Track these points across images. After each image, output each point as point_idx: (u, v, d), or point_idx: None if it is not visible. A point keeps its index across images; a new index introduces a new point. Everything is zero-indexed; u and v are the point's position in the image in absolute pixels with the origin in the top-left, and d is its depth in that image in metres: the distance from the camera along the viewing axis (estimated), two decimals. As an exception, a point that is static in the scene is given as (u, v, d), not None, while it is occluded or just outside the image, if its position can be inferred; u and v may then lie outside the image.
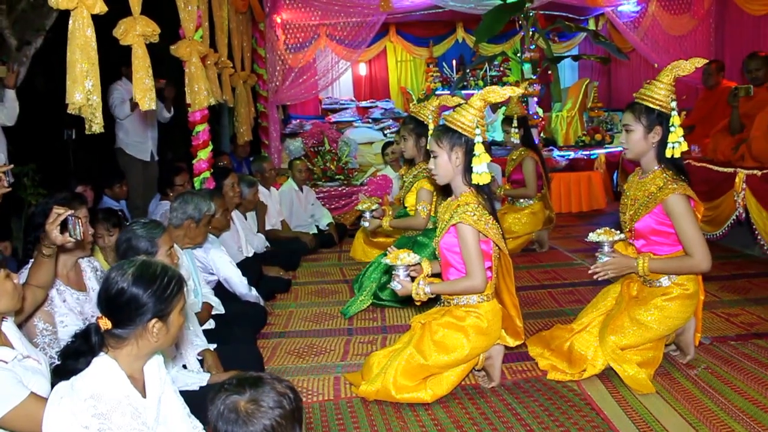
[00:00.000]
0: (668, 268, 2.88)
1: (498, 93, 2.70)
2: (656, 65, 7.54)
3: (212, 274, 3.85)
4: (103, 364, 1.74)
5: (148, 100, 3.24)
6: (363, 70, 10.36)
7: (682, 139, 2.80)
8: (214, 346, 2.99)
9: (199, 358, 2.88)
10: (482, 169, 2.69)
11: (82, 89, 2.72)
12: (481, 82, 10.03)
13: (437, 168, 2.81)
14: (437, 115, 3.85)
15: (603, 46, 7.35)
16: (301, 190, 6.21)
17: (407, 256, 2.75)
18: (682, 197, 2.79)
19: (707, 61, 2.86)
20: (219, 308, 3.51)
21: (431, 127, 3.38)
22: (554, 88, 7.01)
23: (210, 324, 3.36)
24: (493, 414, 2.71)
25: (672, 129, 2.80)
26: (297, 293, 4.67)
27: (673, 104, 2.81)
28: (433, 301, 3.01)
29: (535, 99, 7.48)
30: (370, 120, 8.70)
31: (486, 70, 9.84)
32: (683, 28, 7.80)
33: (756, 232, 4.65)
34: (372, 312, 4.18)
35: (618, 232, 2.88)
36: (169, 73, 5.25)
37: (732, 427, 2.49)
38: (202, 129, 4.25)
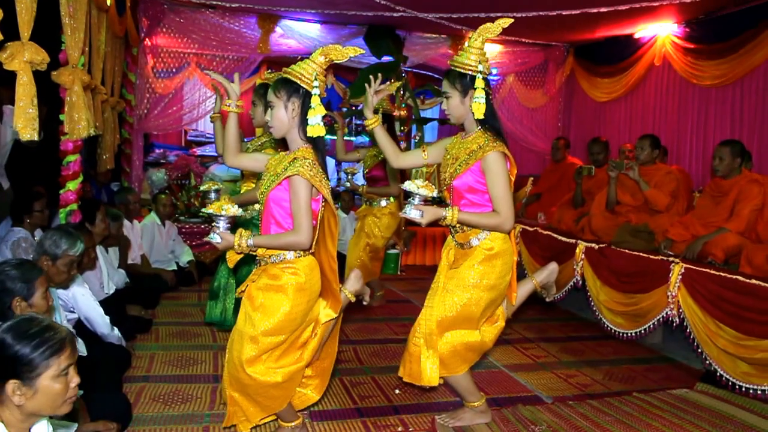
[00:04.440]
0: (475, 221, 2.98)
1: (340, 51, 2.73)
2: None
3: (73, 311, 3.69)
4: None
5: (30, 131, 3.10)
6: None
7: (481, 97, 2.89)
8: (80, 392, 2.87)
9: (65, 405, 2.76)
10: (316, 120, 2.67)
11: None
12: (346, 129, 10.30)
13: (273, 120, 2.75)
14: None
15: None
16: (164, 224, 6.06)
17: (231, 207, 2.67)
18: (500, 155, 2.92)
19: (512, 20, 3.01)
20: (81, 350, 3.36)
21: None
22: (418, 147, 7.40)
23: (72, 367, 3.22)
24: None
25: (475, 91, 2.91)
26: (158, 334, 4.56)
27: (480, 67, 2.94)
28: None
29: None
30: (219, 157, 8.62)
31: (352, 119, 10.15)
32: (536, 102, 8.58)
33: (590, 298, 5.19)
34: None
35: (436, 189, 2.92)
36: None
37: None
38: (74, 159, 4.07)
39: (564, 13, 6.04)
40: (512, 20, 3.03)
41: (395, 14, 6.48)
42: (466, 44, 3.07)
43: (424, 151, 3.32)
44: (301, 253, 2.78)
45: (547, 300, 3.69)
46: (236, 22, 7.30)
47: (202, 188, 4.18)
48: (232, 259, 2.86)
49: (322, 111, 2.70)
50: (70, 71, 3.90)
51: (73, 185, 4.10)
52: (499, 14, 3.16)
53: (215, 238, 2.69)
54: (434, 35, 7.78)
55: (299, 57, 7.93)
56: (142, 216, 6.05)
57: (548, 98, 8.52)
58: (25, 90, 3.14)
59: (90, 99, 4.64)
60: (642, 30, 6.97)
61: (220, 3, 6.86)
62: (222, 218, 2.69)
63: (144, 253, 5.71)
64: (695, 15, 6.27)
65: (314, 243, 2.81)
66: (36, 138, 3.17)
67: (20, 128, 3.11)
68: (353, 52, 2.78)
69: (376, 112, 5.33)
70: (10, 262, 2.61)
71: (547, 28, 7.06)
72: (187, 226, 6.77)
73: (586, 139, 7.11)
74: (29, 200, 4.54)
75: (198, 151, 8.73)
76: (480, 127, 3.03)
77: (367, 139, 9.10)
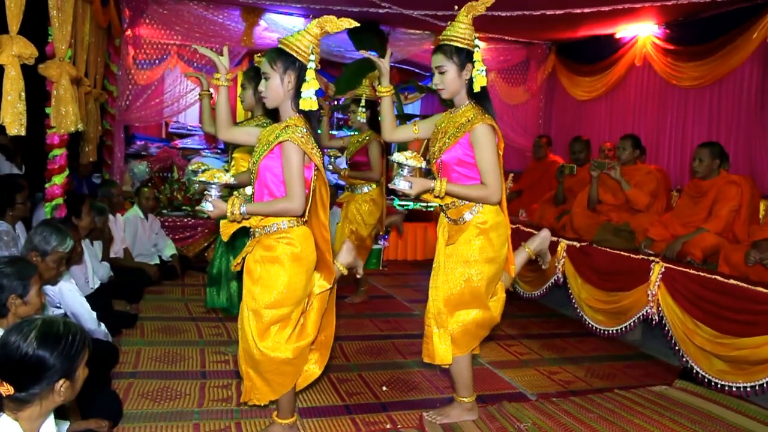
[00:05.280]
0: (463, 192, 3.03)
1: (335, 23, 2.72)
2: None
3: (59, 307, 3.67)
4: (5, 428, 1.69)
5: (17, 126, 3.08)
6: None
7: (483, 69, 2.97)
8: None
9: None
10: (309, 94, 2.68)
11: None
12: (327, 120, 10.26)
13: (268, 90, 2.75)
14: None
15: (447, 107, 7.92)
16: (147, 218, 6.02)
17: (223, 175, 2.68)
18: (488, 128, 2.96)
19: (493, 1, 3.02)
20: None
21: None
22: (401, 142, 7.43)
23: (61, 364, 3.21)
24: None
25: (475, 64, 2.97)
26: (143, 329, 4.55)
27: (477, 42, 3.00)
28: None
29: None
30: (218, 150, 8.54)
31: (334, 114, 10.11)
32: (517, 99, 8.63)
33: (571, 296, 5.28)
34: (224, 354, 4.18)
35: (424, 160, 2.98)
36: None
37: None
38: (60, 153, 4.03)
39: (548, 13, 6.10)
40: (493, 0, 3.04)
41: (381, 11, 6.49)
42: (456, 19, 3.07)
43: (415, 125, 3.36)
44: (295, 222, 2.79)
45: (543, 267, 3.72)
46: (220, 15, 7.26)
47: (190, 167, 4.18)
48: (226, 231, 2.86)
49: (316, 85, 2.71)
50: (57, 64, 3.85)
51: (59, 179, 4.07)
52: (485, 12, 3.19)
53: (208, 207, 2.69)
54: (418, 31, 7.81)
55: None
56: (125, 209, 6.01)
57: (529, 95, 8.59)
58: (13, 84, 3.12)
59: (76, 92, 4.60)
60: (623, 30, 7.05)
61: (204, -5, 6.83)
62: (214, 185, 2.69)
63: (126, 247, 5.66)
64: (675, 17, 6.37)
65: (307, 212, 2.82)
66: (23, 133, 3.14)
67: (7, 123, 3.08)
68: (348, 24, 2.77)
69: (358, 101, 5.46)
70: (3, 260, 2.60)
71: (530, 27, 7.11)
72: (170, 220, 6.71)
73: (567, 137, 7.21)
74: (11, 192, 4.48)
75: (180, 143, 8.64)
76: (470, 101, 3.07)
77: (349, 132, 9.12)
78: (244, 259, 2.93)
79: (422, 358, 3.33)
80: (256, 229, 2.83)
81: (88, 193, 6.14)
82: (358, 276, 3.39)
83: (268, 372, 2.85)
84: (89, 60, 5.62)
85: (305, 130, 2.72)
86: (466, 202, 3.12)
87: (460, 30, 3.02)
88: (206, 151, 8.55)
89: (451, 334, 3.20)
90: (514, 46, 8.27)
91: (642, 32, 6.85)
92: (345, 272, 3.18)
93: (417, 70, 8.94)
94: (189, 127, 9.09)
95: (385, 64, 3.21)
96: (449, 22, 3.11)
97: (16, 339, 1.72)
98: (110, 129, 7.06)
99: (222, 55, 2.96)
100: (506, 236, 3.22)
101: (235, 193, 3.25)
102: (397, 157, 2.91)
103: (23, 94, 3.15)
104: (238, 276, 4.17)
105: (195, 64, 7.92)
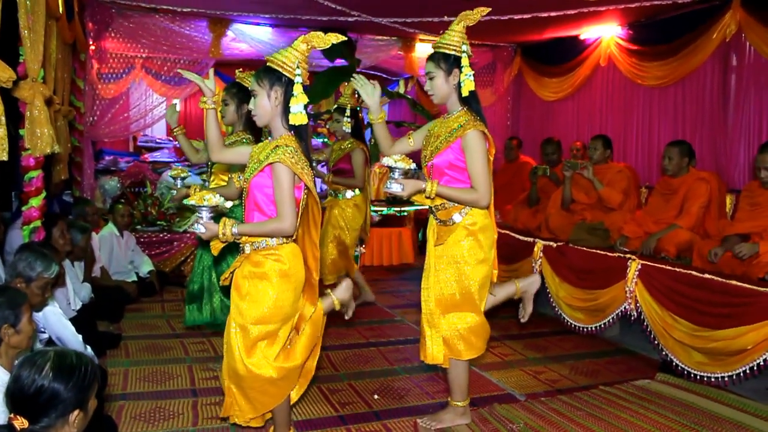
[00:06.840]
0: (453, 195, 3.12)
1: (322, 38, 2.73)
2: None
3: (43, 331, 3.61)
4: None
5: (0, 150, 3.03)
6: (177, 106, 10.07)
7: (471, 74, 3.05)
8: (65, 416, 2.84)
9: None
10: (298, 108, 2.69)
11: None
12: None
13: (257, 108, 2.78)
14: None
15: (419, 113, 8.01)
16: (122, 235, 5.95)
17: (213, 197, 2.70)
18: (480, 134, 3.07)
19: (490, 9, 3.15)
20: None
21: None
22: (373, 149, 7.46)
23: (50, 389, 3.16)
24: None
25: (463, 69, 3.06)
26: (127, 349, 4.50)
27: (464, 47, 3.08)
28: None
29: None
30: (188, 162, 8.43)
31: (305, 121, 10.10)
32: (485, 101, 8.69)
33: (549, 295, 5.37)
34: (213, 371, 4.15)
35: (413, 162, 3.04)
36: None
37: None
38: (36, 175, 3.95)
39: (516, 17, 6.19)
40: (490, 9, 3.15)
41: (349, 19, 6.52)
42: (449, 28, 3.18)
43: (409, 138, 3.43)
44: (284, 239, 2.81)
45: (522, 321, 3.82)
46: (187, 26, 7.19)
47: (171, 174, 4.20)
48: (216, 247, 2.88)
49: (305, 99, 2.72)
50: (30, 85, 3.78)
51: (36, 201, 3.98)
52: (452, 18, 3.25)
53: (199, 229, 2.72)
54: (385, 37, 7.87)
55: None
56: (99, 227, 5.92)
57: (497, 97, 8.70)
58: (-8, 108, 3.06)
59: (48, 112, 4.52)
60: (587, 32, 7.19)
61: (170, 7, 6.76)
62: (204, 209, 2.72)
63: (103, 265, 5.59)
64: (637, 18, 6.52)
65: (298, 231, 2.84)
66: (5, 158, 3.09)
67: (-12, 148, 3.03)
68: (335, 38, 2.78)
69: (343, 110, 5.51)
70: (-9, 288, 2.56)
71: (496, 30, 7.19)
72: (145, 236, 6.62)
73: (535, 137, 7.33)
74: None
75: (149, 156, 8.53)
76: (463, 107, 3.17)
77: (320, 140, 9.15)
78: (232, 273, 2.93)
79: (422, 360, 3.39)
80: (245, 245, 2.84)
81: (60, 212, 6.04)
82: (346, 318, 3.37)
83: (251, 389, 2.84)
84: (57, 77, 5.53)
85: (295, 149, 2.73)
86: (456, 204, 3.19)
87: (450, 37, 3.12)
88: (177, 164, 8.43)
89: (443, 336, 3.27)
90: (480, 49, 8.36)
91: (606, 33, 7.00)
92: (338, 308, 3.19)
93: (385, 76, 8.99)
94: (158, 140, 8.99)
95: (375, 96, 3.27)
96: (441, 31, 3.20)
97: (29, 373, 1.71)
98: (79, 146, 6.94)
99: (207, 78, 2.96)
100: (493, 239, 3.30)
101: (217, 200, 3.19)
102: (386, 160, 2.99)
103: (3, 117, 3.10)
104: (223, 290, 4.16)
105: (162, 76, 7.85)
